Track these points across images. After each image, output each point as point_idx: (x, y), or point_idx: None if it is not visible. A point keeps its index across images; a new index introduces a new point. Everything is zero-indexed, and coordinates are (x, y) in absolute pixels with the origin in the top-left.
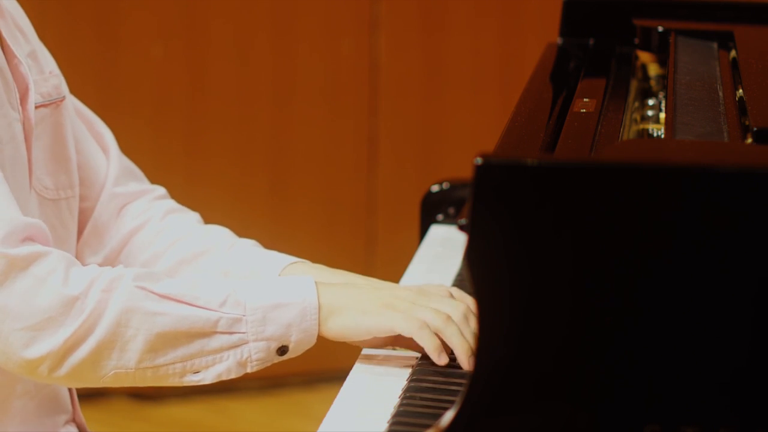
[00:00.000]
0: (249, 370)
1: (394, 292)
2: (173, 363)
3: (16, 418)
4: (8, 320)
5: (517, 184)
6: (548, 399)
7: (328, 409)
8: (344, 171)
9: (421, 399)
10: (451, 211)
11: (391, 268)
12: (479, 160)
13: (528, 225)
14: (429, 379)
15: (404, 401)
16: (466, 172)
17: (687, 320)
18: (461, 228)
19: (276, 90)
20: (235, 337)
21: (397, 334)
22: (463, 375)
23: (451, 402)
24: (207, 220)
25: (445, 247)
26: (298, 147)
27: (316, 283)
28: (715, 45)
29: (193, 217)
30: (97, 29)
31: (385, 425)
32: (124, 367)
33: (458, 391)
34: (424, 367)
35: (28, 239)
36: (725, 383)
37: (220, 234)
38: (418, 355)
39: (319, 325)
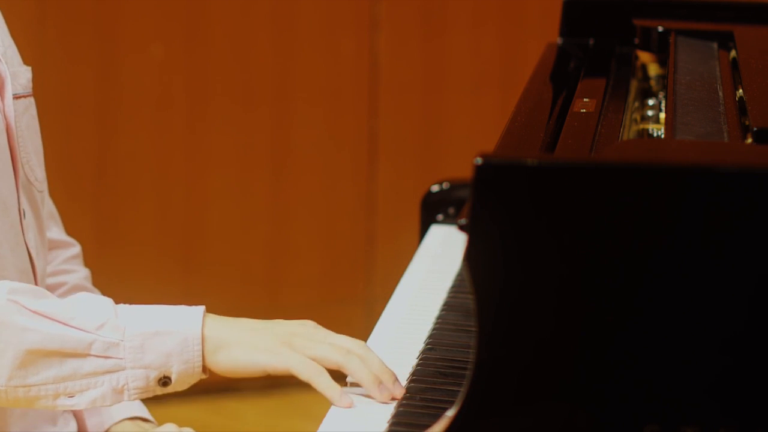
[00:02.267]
0: (126, 399)
1: (290, 329)
2: (45, 384)
3: (15, 426)
4: None
5: (517, 184)
6: (548, 399)
7: (328, 409)
8: (344, 171)
9: (421, 399)
10: (451, 211)
11: (391, 268)
12: (479, 160)
13: (528, 225)
14: (429, 380)
15: (404, 401)
16: (466, 172)
17: (687, 320)
18: (461, 228)
19: (276, 90)
20: (110, 362)
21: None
22: (463, 375)
23: (451, 402)
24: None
25: (445, 247)
26: (298, 147)
27: (204, 314)
28: (715, 45)
29: None
30: (97, 29)
31: (385, 425)
32: None
33: (458, 391)
34: (424, 367)
35: None
36: (725, 383)
37: None
38: (417, 356)
39: (204, 357)
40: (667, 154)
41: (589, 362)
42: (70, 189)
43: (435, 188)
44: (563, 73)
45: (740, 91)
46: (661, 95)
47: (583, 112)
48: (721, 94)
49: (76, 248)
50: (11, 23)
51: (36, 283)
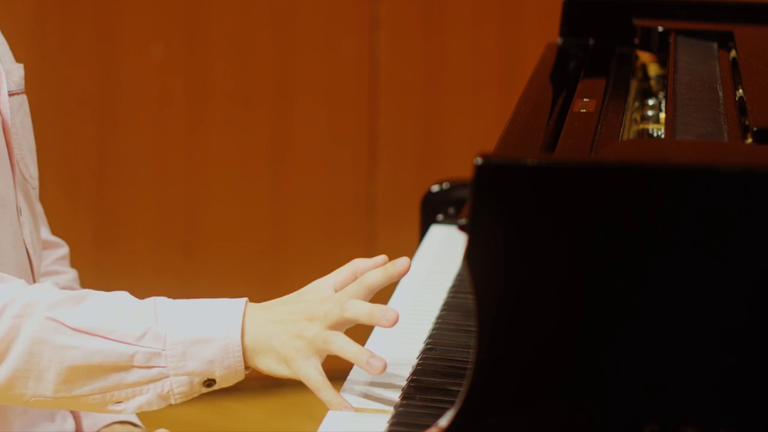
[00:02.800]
0: (173, 402)
1: (298, 327)
2: (92, 394)
3: (16, 423)
4: None
5: (517, 184)
6: (548, 399)
7: (328, 409)
8: (344, 171)
9: (421, 399)
10: (451, 211)
11: None
12: (479, 160)
13: (528, 225)
14: (429, 380)
15: (404, 401)
16: (466, 172)
17: (687, 320)
18: (461, 228)
19: (276, 90)
20: (154, 371)
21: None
22: (463, 375)
23: (451, 402)
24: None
25: (445, 247)
26: (298, 146)
27: (245, 313)
28: (715, 45)
29: None
30: (97, 29)
31: (385, 425)
32: (42, 396)
33: (458, 391)
34: (424, 367)
35: None
36: (725, 383)
37: None
38: (417, 356)
39: (245, 360)
40: (667, 154)
41: (590, 362)
42: (70, 189)
43: (435, 188)
44: (563, 73)
45: (740, 91)
46: (661, 95)
47: (583, 112)
48: (721, 94)
49: (65, 249)
50: (11, 23)
51: (34, 279)
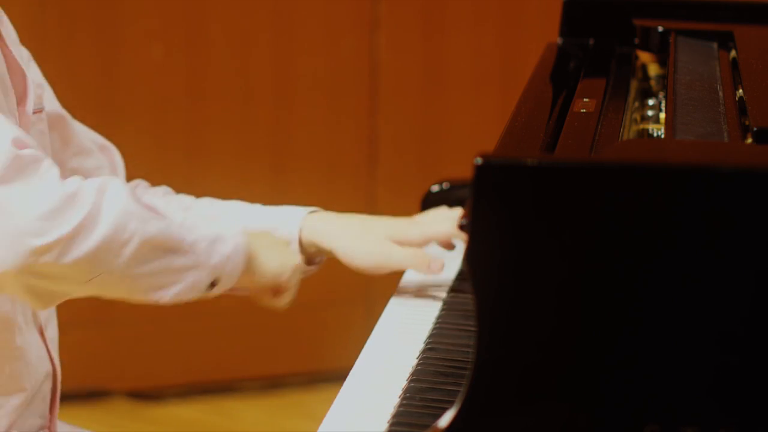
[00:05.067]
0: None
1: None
2: (148, 275)
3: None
4: (17, 212)
5: (517, 184)
6: (548, 399)
7: (328, 409)
8: (344, 171)
9: (421, 399)
10: None
11: None
12: (479, 160)
13: (528, 225)
14: (429, 380)
15: (404, 401)
16: (466, 172)
17: (687, 320)
18: (461, 228)
19: (276, 90)
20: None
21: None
22: (463, 375)
23: (451, 402)
24: None
25: None
26: (298, 147)
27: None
28: (715, 45)
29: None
30: (97, 29)
31: (385, 425)
32: (110, 272)
33: (458, 391)
34: (424, 367)
35: (28, 147)
36: (725, 384)
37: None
38: (417, 356)
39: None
40: (667, 154)
41: (590, 362)
42: None
43: (435, 188)
44: (563, 73)
45: (740, 91)
46: (661, 95)
47: (583, 112)
48: (721, 94)
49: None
50: (11, 23)
51: None
